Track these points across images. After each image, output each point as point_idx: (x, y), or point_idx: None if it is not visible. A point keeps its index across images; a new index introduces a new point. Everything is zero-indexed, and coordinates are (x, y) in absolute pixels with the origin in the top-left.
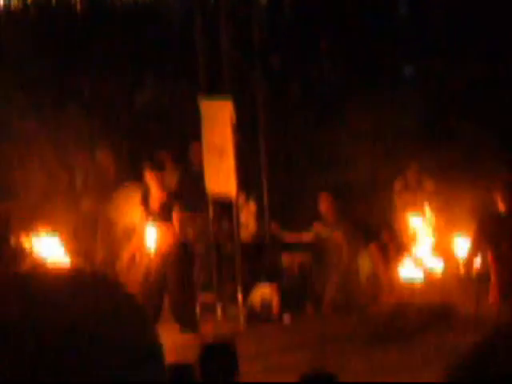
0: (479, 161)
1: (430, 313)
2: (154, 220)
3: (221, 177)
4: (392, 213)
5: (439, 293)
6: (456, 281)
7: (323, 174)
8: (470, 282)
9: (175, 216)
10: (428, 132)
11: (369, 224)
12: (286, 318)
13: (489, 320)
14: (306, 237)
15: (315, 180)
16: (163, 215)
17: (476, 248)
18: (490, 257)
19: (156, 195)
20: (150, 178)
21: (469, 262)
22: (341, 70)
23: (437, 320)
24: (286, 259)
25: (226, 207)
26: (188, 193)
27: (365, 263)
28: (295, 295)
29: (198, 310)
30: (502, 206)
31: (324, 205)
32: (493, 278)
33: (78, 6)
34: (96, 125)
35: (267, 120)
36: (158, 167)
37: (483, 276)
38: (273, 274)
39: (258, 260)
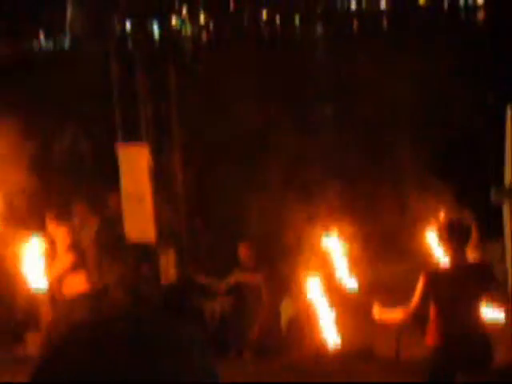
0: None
1: (353, 355)
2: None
3: (140, 222)
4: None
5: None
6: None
7: (243, 222)
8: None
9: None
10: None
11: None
12: None
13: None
14: (226, 283)
15: (234, 228)
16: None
17: (418, 307)
18: (432, 313)
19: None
20: (54, 229)
21: (407, 316)
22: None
23: (360, 362)
24: (207, 305)
25: (145, 253)
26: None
27: (287, 307)
28: (217, 341)
29: None
30: (445, 256)
31: (243, 252)
32: (432, 326)
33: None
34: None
35: (184, 167)
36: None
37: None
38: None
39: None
